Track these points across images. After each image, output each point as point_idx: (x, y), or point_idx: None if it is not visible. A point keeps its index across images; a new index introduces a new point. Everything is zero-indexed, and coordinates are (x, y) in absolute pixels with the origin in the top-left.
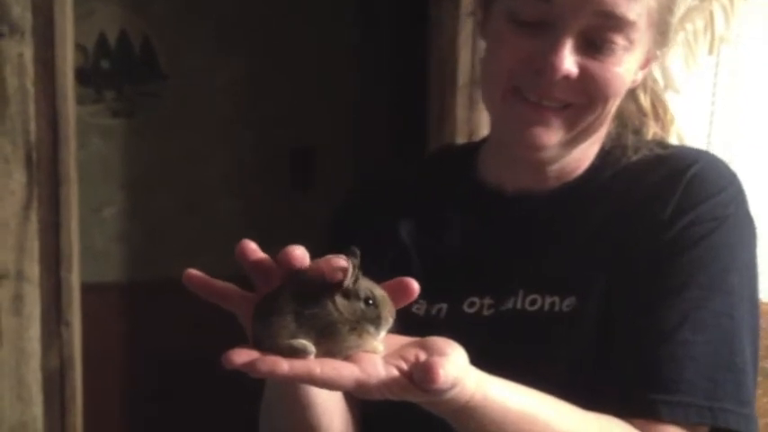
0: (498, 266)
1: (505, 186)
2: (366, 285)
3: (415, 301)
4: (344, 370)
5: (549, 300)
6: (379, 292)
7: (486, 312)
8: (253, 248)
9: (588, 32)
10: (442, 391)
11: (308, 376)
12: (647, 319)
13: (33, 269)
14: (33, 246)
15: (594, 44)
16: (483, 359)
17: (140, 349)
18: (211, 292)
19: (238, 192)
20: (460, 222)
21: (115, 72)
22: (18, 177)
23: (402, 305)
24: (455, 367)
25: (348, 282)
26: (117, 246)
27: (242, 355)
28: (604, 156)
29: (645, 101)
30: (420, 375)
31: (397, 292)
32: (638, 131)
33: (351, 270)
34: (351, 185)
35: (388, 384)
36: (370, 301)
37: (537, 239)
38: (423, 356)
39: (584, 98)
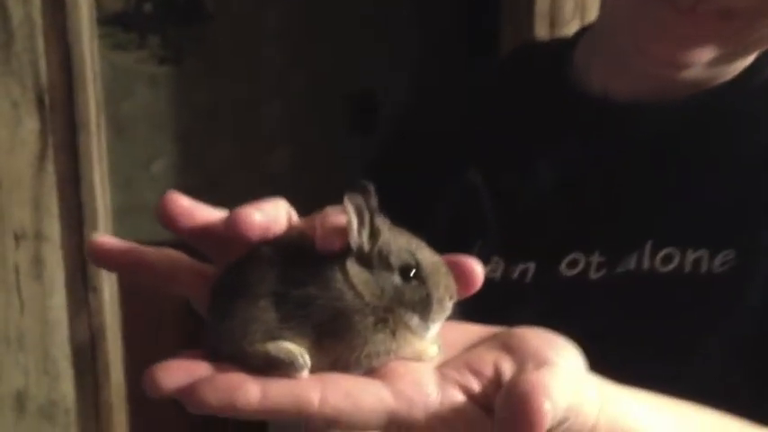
0: (612, 209)
1: (617, 95)
2: (403, 244)
3: (490, 260)
4: (365, 396)
5: (692, 255)
6: (426, 255)
7: (594, 275)
8: (185, 208)
9: None
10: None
11: (297, 409)
12: None
13: (53, 228)
14: (51, 201)
15: None
16: (590, 346)
17: (193, 313)
18: (138, 267)
19: (295, 139)
20: (554, 147)
21: (159, 15)
22: (30, 124)
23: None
24: (566, 390)
25: (356, 239)
26: None
27: (176, 374)
28: None
29: None
30: (508, 412)
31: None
32: None
33: (353, 218)
34: (402, 105)
35: (448, 419)
36: (412, 272)
37: (670, 169)
38: (508, 368)
39: (760, 3)
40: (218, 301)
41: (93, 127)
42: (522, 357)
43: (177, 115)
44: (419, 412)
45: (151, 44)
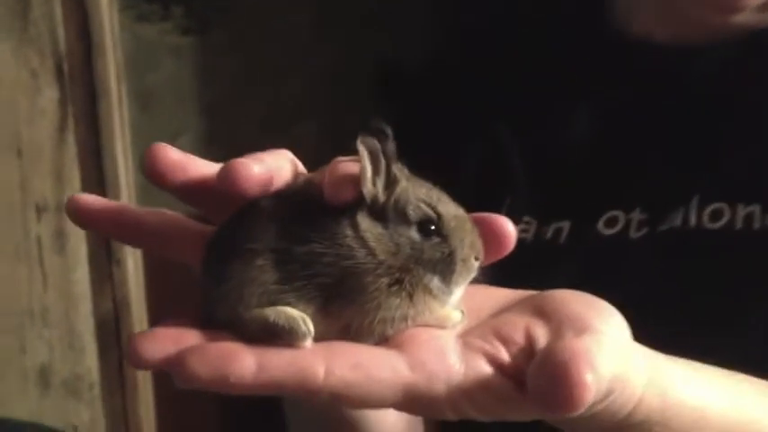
0: (655, 161)
1: (659, 36)
2: (423, 196)
3: (520, 219)
4: (378, 368)
5: (743, 211)
6: (449, 208)
7: (635, 234)
8: (174, 160)
9: None
10: (585, 408)
11: (299, 382)
12: None
13: None
14: (73, 173)
15: None
16: (630, 312)
17: None
18: (126, 228)
19: (322, 110)
20: (590, 95)
21: None
22: (49, 94)
23: (486, 263)
24: (611, 359)
25: (370, 188)
26: None
27: (163, 343)
28: None
29: None
30: (544, 383)
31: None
32: None
33: (366, 164)
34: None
35: (473, 393)
36: (433, 227)
37: (718, 117)
38: (542, 335)
39: None
40: (212, 260)
41: (113, 97)
42: (558, 323)
43: (203, 87)
44: (440, 385)
45: (175, 15)
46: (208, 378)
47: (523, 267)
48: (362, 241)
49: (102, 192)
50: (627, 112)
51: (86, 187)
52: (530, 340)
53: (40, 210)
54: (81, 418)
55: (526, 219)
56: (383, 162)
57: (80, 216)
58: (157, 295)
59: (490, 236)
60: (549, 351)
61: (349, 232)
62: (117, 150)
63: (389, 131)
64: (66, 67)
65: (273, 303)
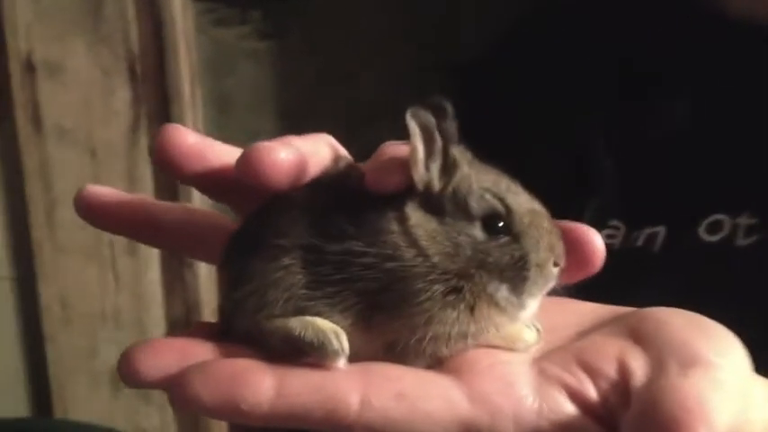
0: (764, 159)
1: (761, 17)
2: (489, 185)
3: (607, 224)
4: (427, 398)
5: None
6: (522, 201)
7: (742, 241)
8: (190, 146)
9: None
10: None
11: (327, 413)
12: None
13: None
14: (145, 173)
15: None
16: (738, 332)
17: None
18: (145, 225)
19: (398, 113)
20: (688, 83)
21: None
22: (122, 94)
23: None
24: (729, 410)
25: (422, 174)
26: None
27: (165, 357)
28: None
29: None
30: None
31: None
32: None
33: (418, 144)
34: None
35: None
36: (501, 223)
37: None
38: (639, 367)
39: None
40: (231, 259)
41: (186, 98)
42: (660, 353)
43: (280, 91)
44: (507, 423)
45: (253, 18)
46: (213, 403)
47: (610, 278)
48: (412, 238)
49: (175, 194)
50: (731, 100)
51: (159, 189)
52: (623, 373)
53: None
54: (151, 422)
55: (614, 223)
56: (439, 142)
57: (89, 212)
58: None
59: (575, 249)
60: (653, 397)
61: (395, 227)
62: None
63: (449, 107)
64: (138, 68)
65: (301, 312)
